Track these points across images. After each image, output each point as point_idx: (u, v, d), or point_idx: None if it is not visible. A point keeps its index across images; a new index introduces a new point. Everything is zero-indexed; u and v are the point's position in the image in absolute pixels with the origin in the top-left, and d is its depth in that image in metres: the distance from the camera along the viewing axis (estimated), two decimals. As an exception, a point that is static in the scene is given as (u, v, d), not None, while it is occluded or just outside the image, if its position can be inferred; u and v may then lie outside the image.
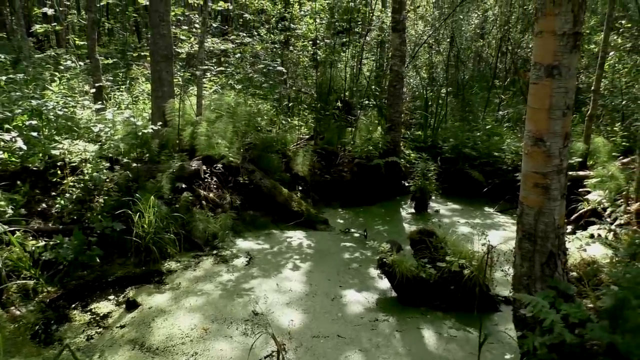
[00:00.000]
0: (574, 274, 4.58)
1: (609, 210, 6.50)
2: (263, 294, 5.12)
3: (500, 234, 7.29)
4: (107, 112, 7.44)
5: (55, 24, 11.38)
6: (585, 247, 5.18)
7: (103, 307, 4.75)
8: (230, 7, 11.40)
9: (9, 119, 6.39)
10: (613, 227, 5.83)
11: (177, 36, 9.74)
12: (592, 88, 8.71)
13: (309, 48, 11.51)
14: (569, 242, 5.14)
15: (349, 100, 11.57)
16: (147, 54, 10.77)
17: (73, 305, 4.71)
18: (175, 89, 7.96)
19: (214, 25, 12.92)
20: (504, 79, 14.35)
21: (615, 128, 9.71)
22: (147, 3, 8.42)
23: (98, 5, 9.97)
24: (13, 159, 5.90)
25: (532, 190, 3.41)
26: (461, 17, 14.58)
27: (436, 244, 5.26)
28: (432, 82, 14.67)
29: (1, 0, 15.75)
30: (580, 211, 7.06)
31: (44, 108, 6.67)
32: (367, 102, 11.66)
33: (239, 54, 11.41)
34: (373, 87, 12.25)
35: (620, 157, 8.32)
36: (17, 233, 5.01)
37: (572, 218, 7.02)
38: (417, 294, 4.96)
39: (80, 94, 8.83)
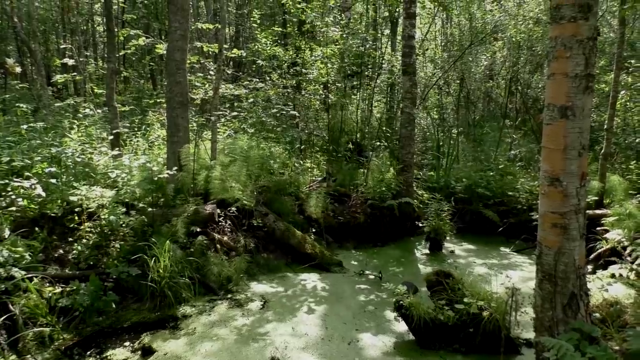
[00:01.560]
0: (597, 315, 4.49)
1: (629, 249, 6.39)
2: (279, 339, 5.05)
3: (518, 274, 7.18)
4: (123, 158, 7.58)
5: (75, 73, 11.76)
6: (607, 287, 5.08)
7: (118, 354, 4.71)
8: (244, 54, 11.72)
9: (29, 167, 6.53)
10: (634, 266, 5.73)
11: (192, 83, 10.00)
12: (605, 127, 8.72)
13: (320, 92, 11.72)
14: (590, 282, 5.05)
15: (360, 142, 11.69)
16: (163, 100, 11.05)
17: (88, 353, 4.68)
18: (190, 134, 8.10)
19: (228, 71, 13.25)
20: (515, 118, 14.44)
21: (630, 166, 9.66)
22: (165, 52, 8.69)
23: (117, 55, 10.31)
24: (32, 205, 5.99)
25: (550, 230, 3.39)
26: (470, 59, 14.82)
27: (453, 285, 5.19)
28: (443, 122, 14.80)
29: (23, 52, 16.35)
30: (599, 250, 6.96)
31: (63, 155, 6.81)
32: (378, 143, 11.76)
33: (251, 99, 11.65)
34: (384, 128, 12.38)
35: (637, 195, 8.24)
36: (35, 279, 5.04)
37: (591, 257, 6.91)
38: (436, 337, 4.86)
39: (97, 141, 9.02)
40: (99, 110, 10.79)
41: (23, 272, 4.91)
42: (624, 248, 6.54)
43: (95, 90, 12.22)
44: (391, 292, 5.53)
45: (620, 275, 5.63)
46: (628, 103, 10.83)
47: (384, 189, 9.22)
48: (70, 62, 10.32)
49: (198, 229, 6.75)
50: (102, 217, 6.19)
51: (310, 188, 9.38)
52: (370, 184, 9.65)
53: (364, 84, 12.51)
